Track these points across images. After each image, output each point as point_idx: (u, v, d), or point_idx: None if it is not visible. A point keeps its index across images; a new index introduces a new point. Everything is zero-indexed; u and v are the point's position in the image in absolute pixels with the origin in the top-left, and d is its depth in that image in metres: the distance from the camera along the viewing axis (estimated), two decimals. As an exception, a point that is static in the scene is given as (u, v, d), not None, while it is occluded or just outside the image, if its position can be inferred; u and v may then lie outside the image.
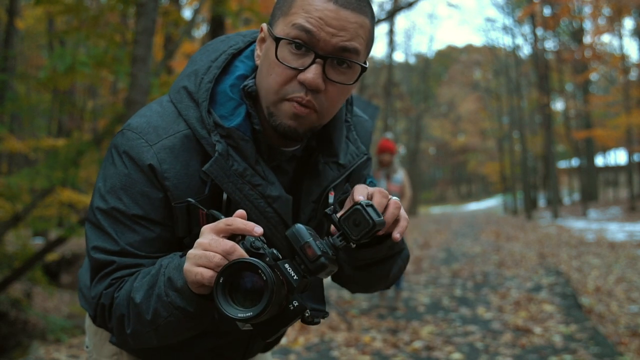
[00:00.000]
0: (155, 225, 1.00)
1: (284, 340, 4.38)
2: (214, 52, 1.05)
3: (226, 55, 1.05)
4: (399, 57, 63.38)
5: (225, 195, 1.00)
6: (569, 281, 7.23)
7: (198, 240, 0.88)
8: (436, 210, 45.49)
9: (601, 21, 23.61)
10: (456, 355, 4.02)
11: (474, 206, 49.89)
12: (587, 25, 26.49)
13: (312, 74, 0.94)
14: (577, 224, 18.85)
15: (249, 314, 0.83)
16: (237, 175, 0.99)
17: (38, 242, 16.78)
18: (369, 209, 0.95)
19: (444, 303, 5.91)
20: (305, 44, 0.94)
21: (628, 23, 34.58)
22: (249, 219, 0.95)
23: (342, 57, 0.96)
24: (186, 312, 0.90)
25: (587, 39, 26.29)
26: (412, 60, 43.86)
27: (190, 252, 0.88)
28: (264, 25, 1.01)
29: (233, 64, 1.05)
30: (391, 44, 28.01)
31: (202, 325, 0.95)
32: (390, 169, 5.51)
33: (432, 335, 4.58)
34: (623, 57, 23.20)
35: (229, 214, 0.97)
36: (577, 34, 27.18)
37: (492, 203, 51.25)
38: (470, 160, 58.31)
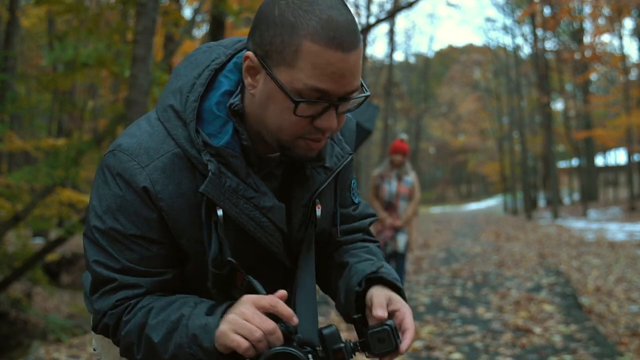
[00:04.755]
0: (153, 244, 1.02)
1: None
2: (197, 67, 1.05)
3: (209, 71, 1.04)
4: (399, 57, 63.42)
5: (220, 211, 1.01)
6: (569, 281, 7.24)
7: (240, 309, 0.94)
8: (436, 210, 45.50)
9: (601, 21, 23.61)
10: (456, 355, 4.03)
11: (474, 206, 49.90)
12: (587, 25, 26.49)
13: (328, 122, 0.98)
14: (577, 224, 18.85)
15: None
16: (231, 191, 1.01)
17: (38, 242, 16.77)
18: (396, 332, 1.05)
19: (444, 303, 5.91)
20: (320, 99, 0.96)
21: (628, 23, 34.57)
22: (246, 230, 1.03)
23: (351, 97, 0.99)
24: None
25: (587, 39, 26.29)
26: (412, 60, 43.87)
27: (231, 317, 0.94)
28: (252, 56, 0.98)
29: (217, 79, 1.05)
30: (391, 44, 28.02)
31: None
32: (402, 170, 5.52)
33: (432, 335, 4.58)
34: (623, 57, 23.19)
35: (227, 228, 1.02)
36: (577, 34, 27.18)
37: (492, 203, 51.25)
38: (470, 160, 58.31)
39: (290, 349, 0.93)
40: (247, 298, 0.96)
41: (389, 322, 1.04)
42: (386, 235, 5.46)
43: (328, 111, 0.97)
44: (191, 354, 0.95)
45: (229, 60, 1.07)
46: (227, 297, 1.02)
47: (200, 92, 1.02)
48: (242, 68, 1.01)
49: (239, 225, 1.03)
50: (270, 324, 0.92)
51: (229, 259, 1.00)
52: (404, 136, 5.70)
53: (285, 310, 0.94)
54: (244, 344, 0.91)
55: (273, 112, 0.98)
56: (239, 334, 0.91)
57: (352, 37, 0.94)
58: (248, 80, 1.00)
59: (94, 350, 1.26)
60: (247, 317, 0.92)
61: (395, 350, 1.04)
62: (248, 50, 0.99)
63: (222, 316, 0.95)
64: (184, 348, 0.95)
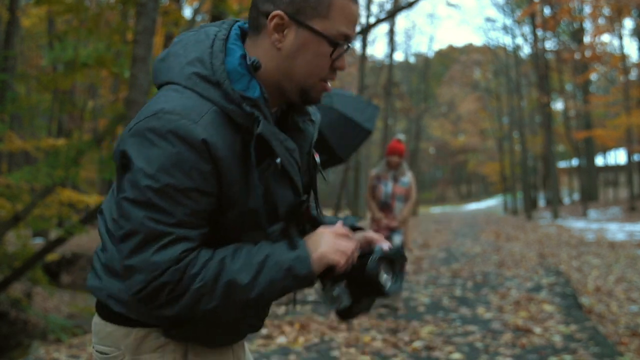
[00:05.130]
0: (204, 196, 1.08)
1: (284, 340, 4.39)
2: (204, 41, 1.16)
3: (220, 41, 1.15)
4: (399, 57, 63.39)
5: (278, 160, 1.14)
6: (569, 281, 7.24)
7: (328, 237, 1.13)
8: (436, 210, 45.50)
9: (601, 21, 23.60)
10: (456, 355, 4.02)
11: (474, 206, 49.90)
12: (587, 25, 26.49)
13: (344, 62, 1.16)
14: (577, 224, 18.85)
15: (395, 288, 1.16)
16: (274, 134, 1.15)
17: (38, 242, 16.75)
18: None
19: (444, 303, 5.91)
20: (347, 40, 1.15)
21: (628, 23, 34.56)
22: (285, 171, 1.17)
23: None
24: (292, 290, 1.13)
25: (587, 39, 26.29)
26: (412, 60, 43.87)
27: (327, 242, 1.12)
28: (283, 14, 1.12)
29: (227, 47, 1.16)
30: (391, 44, 28.02)
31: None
32: (399, 171, 5.52)
33: (432, 335, 4.58)
34: (623, 57, 23.18)
35: (269, 171, 1.15)
36: (577, 34, 27.18)
37: (492, 203, 51.24)
38: (470, 160, 58.29)
39: (387, 252, 1.15)
40: (326, 228, 1.16)
41: (382, 245, 1.18)
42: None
43: (345, 53, 1.16)
44: (284, 285, 1.09)
45: (228, 34, 1.19)
46: (283, 234, 1.19)
47: (223, 57, 1.13)
48: (268, 27, 1.13)
49: (283, 166, 1.15)
50: (353, 243, 1.14)
51: (302, 197, 1.19)
52: (401, 137, 5.70)
53: (376, 236, 1.22)
54: (343, 260, 1.12)
55: (304, 60, 1.14)
56: (338, 253, 1.11)
57: None
58: (275, 37, 1.13)
59: (106, 354, 1.21)
60: (339, 241, 1.13)
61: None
62: (274, 10, 1.12)
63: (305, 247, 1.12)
64: (276, 282, 1.08)
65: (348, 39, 1.14)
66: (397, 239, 5.41)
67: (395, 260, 1.16)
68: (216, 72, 1.11)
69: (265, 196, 1.14)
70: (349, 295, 1.16)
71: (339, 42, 1.13)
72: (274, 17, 1.11)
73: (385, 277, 1.15)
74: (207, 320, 1.15)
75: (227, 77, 1.11)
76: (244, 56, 1.14)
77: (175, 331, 1.17)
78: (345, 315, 1.19)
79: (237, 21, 1.22)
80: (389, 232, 5.41)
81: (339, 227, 1.16)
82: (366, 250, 1.18)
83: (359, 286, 1.15)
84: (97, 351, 1.23)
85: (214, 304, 1.07)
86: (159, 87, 1.18)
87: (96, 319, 1.23)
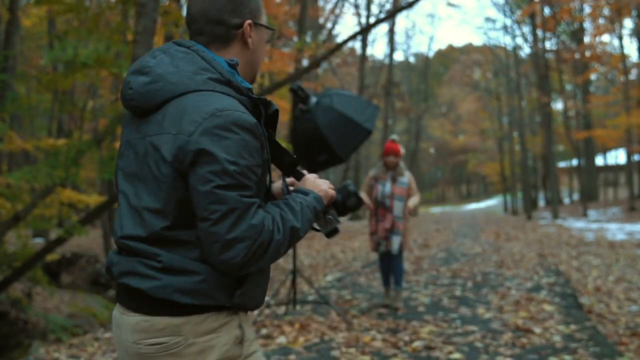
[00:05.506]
0: (259, 168, 1.36)
1: (284, 340, 4.39)
2: (190, 56, 1.40)
3: (204, 53, 1.41)
4: (399, 57, 63.39)
5: (264, 131, 1.45)
6: (569, 281, 7.24)
7: (318, 182, 1.55)
8: (436, 210, 45.50)
9: (601, 21, 23.59)
10: (456, 355, 4.02)
11: (474, 206, 49.89)
12: (587, 25, 26.48)
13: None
14: (577, 224, 18.86)
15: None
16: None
17: (38, 242, 16.73)
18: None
19: (444, 303, 5.91)
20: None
21: (628, 23, 34.56)
22: (277, 140, 1.54)
23: None
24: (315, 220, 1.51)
25: (587, 39, 26.28)
26: (412, 60, 43.87)
27: (320, 187, 1.53)
28: (251, 22, 1.45)
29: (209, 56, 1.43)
30: (391, 44, 28.01)
31: None
32: (397, 171, 5.52)
33: (432, 335, 4.58)
34: (623, 57, 23.18)
35: (271, 141, 1.49)
36: (577, 34, 27.17)
37: (492, 203, 51.24)
38: (470, 160, 58.29)
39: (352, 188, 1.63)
40: (311, 177, 1.57)
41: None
42: (379, 236, 5.48)
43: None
44: (309, 219, 1.44)
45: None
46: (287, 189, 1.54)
47: (219, 66, 1.40)
48: (242, 34, 1.45)
49: (273, 137, 1.50)
50: (329, 183, 1.58)
51: (295, 157, 1.54)
52: (395, 137, 5.71)
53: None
54: (334, 193, 1.56)
55: (261, 49, 1.51)
56: (330, 189, 1.55)
57: None
58: (249, 40, 1.46)
59: (161, 344, 1.34)
60: (325, 183, 1.55)
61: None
62: (244, 21, 1.44)
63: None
64: (310, 219, 1.44)
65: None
66: (396, 240, 5.41)
67: (355, 192, 1.63)
68: (223, 74, 1.38)
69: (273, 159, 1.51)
70: (336, 216, 1.59)
71: (270, 29, 1.52)
72: (248, 26, 1.45)
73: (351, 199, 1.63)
74: (256, 280, 1.43)
75: (231, 76, 1.39)
76: (230, 61, 1.44)
77: (238, 297, 1.37)
78: (332, 233, 1.59)
79: (175, 42, 1.45)
80: (387, 233, 5.41)
81: (311, 174, 1.57)
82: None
83: (337, 209, 1.61)
84: (149, 345, 1.34)
85: (284, 249, 1.38)
86: (167, 101, 1.34)
87: (138, 318, 1.35)
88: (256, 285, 1.43)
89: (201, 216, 1.29)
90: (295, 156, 1.53)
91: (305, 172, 1.59)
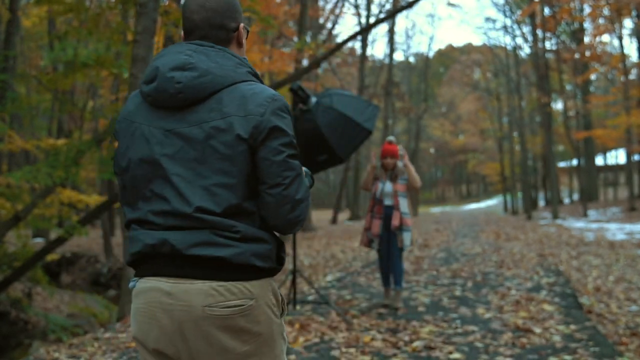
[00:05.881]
0: None
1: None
2: (223, 53, 1.58)
3: (232, 52, 1.62)
4: (399, 57, 63.35)
5: None
6: (569, 281, 7.24)
7: None
8: (436, 210, 45.49)
9: (601, 21, 23.59)
10: (456, 355, 4.03)
11: (473, 206, 49.88)
12: (587, 25, 26.47)
13: None
14: (577, 224, 18.86)
15: None
16: None
17: (38, 242, 16.72)
18: None
19: (444, 303, 5.91)
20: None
21: (628, 23, 34.55)
22: None
23: None
24: None
25: (587, 39, 26.27)
26: (412, 60, 43.86)
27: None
28: (242, 24, 1.67)
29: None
30: (391, 44, 28.00)
31: None
32: (395, 172, 5.56)
33: (432, 335, 4.58)
34: (623, 57, 23.18)
35: None
36: (577, 34, 27.17)
37: (492, 203, 51.24)
38: (470, 160, 58.29)
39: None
40: None
41: None
42: (373, 233, 5.51)
43: None
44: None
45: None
46: None
47: (247, 62, 1.64)
48: (237, 35, 1.66)
49: None
50: None
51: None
52: (392, 138, 5.74)
53: None
54: None
55: (245, 46, 1.70)
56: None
57: None
58: (243, 40, 1.68)
59: (238, 307, 1.50)
60: None
61: None
62: (238, 25, 1.65)
63: None
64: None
65: None
66: (407, 237, 5.46)
67: (311, 174, 1.77)
68: (252, 69, 1.61)
69: None
70: None
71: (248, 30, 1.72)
72: (241, 28, 1.66)
73: None
74: None
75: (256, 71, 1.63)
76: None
77: (284, 259, 1.61)
78: None
79: (195, 43, 1.60)
80: (397, 230, 5.45)
81: None
82: None
83: None
84: (224, 307, 1.48)
85: (307, 212, 1.60)
86: (217, 91, 1.52)
87: (212, 284, 1.48)
88: (285, 252, 1.67)
89: (274, 183, 1.50)
90: None
91: None
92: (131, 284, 1.58)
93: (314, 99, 5.02)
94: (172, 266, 1.49)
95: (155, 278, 1.51)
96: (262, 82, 1.61)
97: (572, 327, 4.76)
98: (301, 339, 4.43)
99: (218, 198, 1.47)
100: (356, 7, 27.32)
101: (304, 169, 1.72)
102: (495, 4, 40.48)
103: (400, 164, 5.62)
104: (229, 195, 1.48)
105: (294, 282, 5.20)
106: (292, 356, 4.03)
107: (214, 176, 1.48)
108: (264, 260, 1.52)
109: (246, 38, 1.71)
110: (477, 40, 78.63)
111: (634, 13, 22.40)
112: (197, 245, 1.46)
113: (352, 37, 13.76)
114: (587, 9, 25.32)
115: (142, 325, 1.53)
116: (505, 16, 33.12)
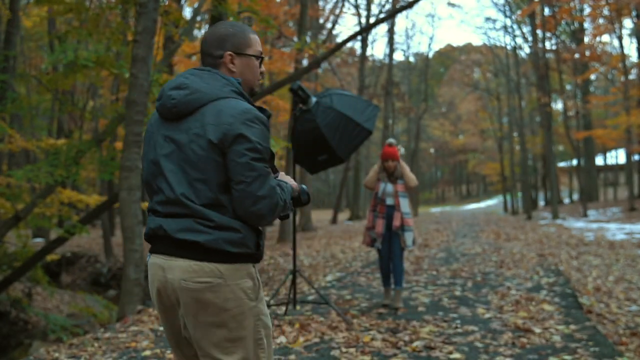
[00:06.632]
0: (270, 152, 1.89)
1: (284, 340, 4.39)
2: (214, 75, 1.93)
3: (222, 74, 1.96)
4: (398, 56, 63.35)
5: None
6: (568, 281, 7.24)
7: (288, 178, 2.07)
8: (436, 210, 45.49)
9: (601, 21, 23.59)
10: (456, 355, 4.03)
11: (474, 206, 49.86)
12: (587, 25, 26.47)
13: (263, 66, 2.08)
14: (577, 224, 18.86)
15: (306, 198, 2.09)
16: None
17: (38, 242, 16.70)
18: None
19: (444, 303, 5.91)
20: (261, 55, 2.05)
21: (628, 23, 34.52)
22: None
23: (262, 56, 2.07)
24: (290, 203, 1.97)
25: (587, 39, 26.27)
26: (412, 60, 43.84)
27: (290, 181, 2.05)
28: (232, 53, 1.97)
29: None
30: (391, 44, 27.99)
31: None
32: (395, 174, 5.59)
33: (432, 335, 4.58)
34: (623, 57, 23.17)
35: None
36: (577, 34, 27.17)
37: (492, 203, 51.24)
38: (470, 160, 58.29)
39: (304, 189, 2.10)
40: (283, 174, 2.08)
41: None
42: (376, 232, 5.52)
43: (262, 62, 2.05)
44: (290, 199, 1.95)
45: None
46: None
47: (235, 82, 1.96)
48: (225, 63, 1.98)
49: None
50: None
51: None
52: (392, 141, 5.76)
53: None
54: (298, 189, 2.07)
55: (248, 71, 2.01)
56: (296, 187, 2.06)
57: None
58: (230, 67, 1.98)
59: (210, 282, 1.83)
60: (291, 181, 2.07)
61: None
62: (223, 53, 1.97)
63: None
64: (290, 198, 1.95)
65: (262, 53, 2.04)
66: (409, 237, 5.50)
67: (307, 192, 2.09)
68: (238, 87, 1.93)
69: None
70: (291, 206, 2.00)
71: (259, 57, 2.02)
72: (228, 57, 1.97)
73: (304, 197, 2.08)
74: (264, 237, 1.97)
75: (242, 90, 1.94)
76: (238, 80, 1.97)
77: (262, 247, 1.90)
78: (285, 217, 2.02)
79: (196, 68, 1.97)
80: (400, 230, 5.46)
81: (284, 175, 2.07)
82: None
83: (295, 202, 2.05)
84: (196, 282, 1.83)
85: (282, 213, 1.90)
86: (202, 105, 1.86)
87: (189, 262, 1.83)
88: (264, 241, 1.95)
89: (238, 180, 1.80)
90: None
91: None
92: (147, 258, 1.98)
93: (314, 99, 5.02)
94: (165, 246, 1.87)
95: (155, 255, 1.90)
96: (246, 99, 1.91)
97: (572, 327, 4.77)
98: (301, 339, 4.43)
99: (198, 191, 1.82)
100: (356, 7, 27.31)
101: (302, 186, 2.09)
102: (495, 4, 40.45)
103: (399, 165, 5.64)
104: (205, 189, 1.81)
105: (294, 282, 5.20)
106: (292, 356, 4.03)
107: (195, 172, 1.82)
108: (235, 246, 1.83)
109: (260, 61, 2.03)
110: (477, 40, 78.61)
111: (634, 13, 22.41)
112: (182, 230, 1.81)
113: (352, 37, 13.75)
114: (587, 9, 25.33)
115: (150, 289, 1.96)
116: (505, 16, 33.08)
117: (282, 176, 2.05)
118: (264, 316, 1.93)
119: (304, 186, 2.10)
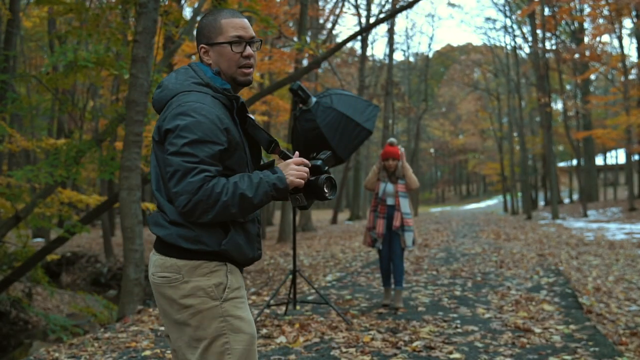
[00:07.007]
0: (220, 145, 1.77)
1: (284, 340, 4.39)
2: (186, 70, 1.93)
3: (195, 66, 1.95)
4: (398, 56, 63.35)
5: (252, 116, 1.96)
6: (568, 281, 7.24)
7: (292, 165, 1.84)
8: (436, 210, 45.47)
9: (601, 21, 23.59)
10: (456, 355, 4.03)
11: (473, 206, 49.84)
12: (587, 25, 26.46)
13: (248, 51, 1.92)
14: (577, 224, 18.86)
15: (332, 196, 1.88)
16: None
17: (38, 242, 16.71)
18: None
19: (444, 303, 5.91)
20: (241, 39, 1.91)
21: (628, 23, 34.52)
22: (256, 122, 1.99)
23: (253, 40, 1.94)
24: (275, 199, 1.82)
25: (587, 39, 26.26)
26: (412, 60, 43.83)
27: (290, 170, 1.83)
28: (204, 45, 1.93)
29: (201, 68, 1.96)
30: (391, 44, 27.98)
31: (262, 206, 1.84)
32: (396, 173, 5.61)
33: (432, 335, 4.58)
34: (623, 57, 23.17)
35: (251, 125, 1.95)
36: (577, 34, 27.16)
37: (491, 203, 51.22)
38: (470, 160, 58.27)
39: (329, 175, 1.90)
40: (290, 160, 1.86)
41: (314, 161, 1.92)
42: (377, 233, 5.53)
43: (247, 47, 1.92)
44: (271, 195, 1.78)
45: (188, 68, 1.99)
46: (266, 166, 1.90)
47: (203, 72, 1.92)
48: (200, 56, 1.95)
49: (253, 120, 1.96)
50: (305, 169, 1.86)
51: (275, 139, 1.93)
52: (393, 140, 5.77)
53: (306, 161, 1.89)
54: (302, 181, 1.83)
55: (223, 61, 1.92)
56: (299, 178, 1.83)
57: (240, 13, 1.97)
58: (205, 60, 1.94)
59: (167, 277, 1.81)
60: (298, 168, 1.83)
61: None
62: (200, 46, 1.94)
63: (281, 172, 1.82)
64: (268, 192, 1.77)
65: (241, 37, 1.90)
66: (409, 237, 5.51)
67: (333, 181, 1.88)
68: (203, 78, 1.89)
69: (251, 141, 1.95)
70: (304, 198, 1.87)
71: (233, 41, 1.89)
72: (201, 49, 1.95)
73: (327, 190, 1.88)
74: (239, 235, 1.85)
75: (211, 80, 1.89)
76: (214, 70, 1.93)
77: (224, 245, 1.79)
78: (302, 208, 1.91)
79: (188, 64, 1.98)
80: (400, 230, 5.47)
81: (297, 158, 1.86)
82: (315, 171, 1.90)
83: (311, 193, 1.88)
84: (159, 277, 1.84)
85: (234, 210, 1.74)
86: (168, 101, 1.86)
87: (157, 257, 1.85)
88: (240, 239, 1.86)
89: (165, 173, 1.79)
90: (270, 135, 1.94)
91: (293, 156, 1.91)
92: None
93: (314, 99, 5.02)
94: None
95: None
96: (212, 89, 1.87)
97: (572, 327, 4.77)
98: (301, 339, 4.43)
99: (160, 185, 1.86)
100: (356, 7, 27.30)
101: (321, 177, 1.92)
102: (495, 4, 40.47)
103: (399, 165, 5.64)
104: (162, 183, 1.85)
105: (294, 282, 5.20)
106: (292, 356, 4.03)
107: (160, 168, 1.86)
108: (190, 242, 1.79)
109: (244, 44, 1.92)
110: (477, 40, 78.56)
111: (633, 13, 22.40)
112: (151, 224, 1.87)
113: (352, 37, 13.75)
114: (587, 9, 25.32)
115: None
116: (505, 16, 33.04)
117: (283, 164, 1.87)
118: (234, 319, 1.81)
119: (322, 177, 1.88)
